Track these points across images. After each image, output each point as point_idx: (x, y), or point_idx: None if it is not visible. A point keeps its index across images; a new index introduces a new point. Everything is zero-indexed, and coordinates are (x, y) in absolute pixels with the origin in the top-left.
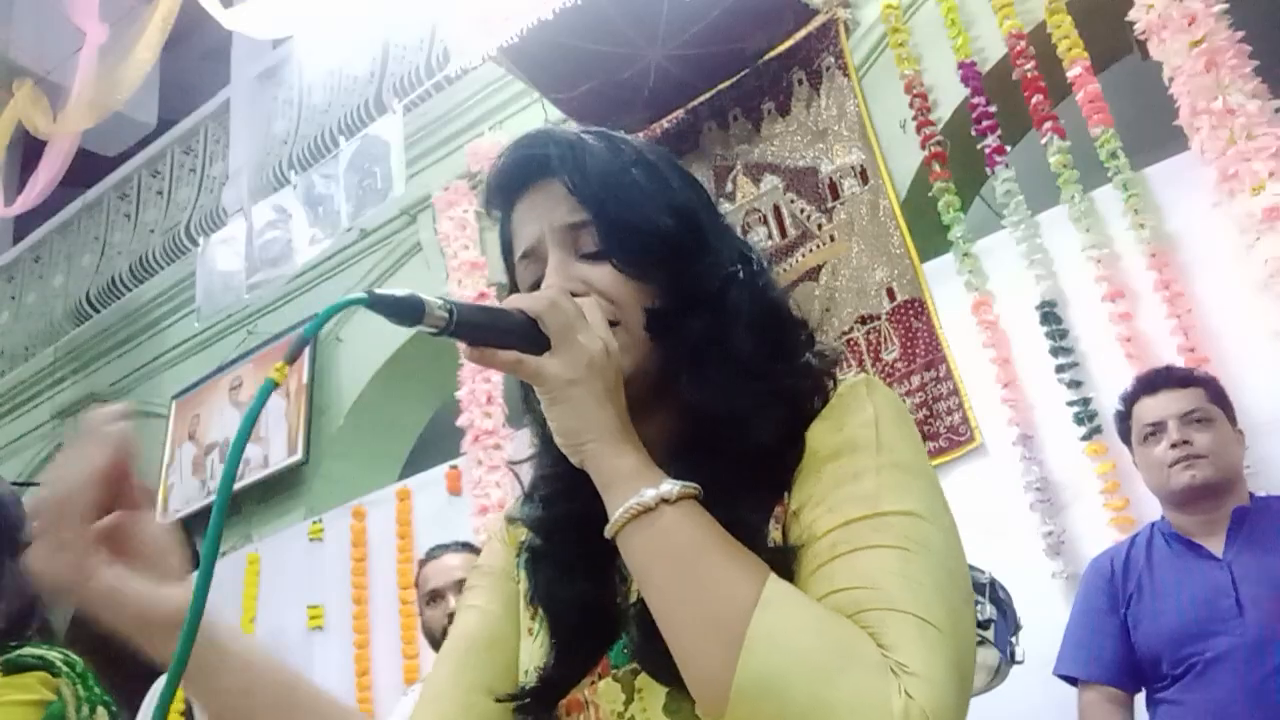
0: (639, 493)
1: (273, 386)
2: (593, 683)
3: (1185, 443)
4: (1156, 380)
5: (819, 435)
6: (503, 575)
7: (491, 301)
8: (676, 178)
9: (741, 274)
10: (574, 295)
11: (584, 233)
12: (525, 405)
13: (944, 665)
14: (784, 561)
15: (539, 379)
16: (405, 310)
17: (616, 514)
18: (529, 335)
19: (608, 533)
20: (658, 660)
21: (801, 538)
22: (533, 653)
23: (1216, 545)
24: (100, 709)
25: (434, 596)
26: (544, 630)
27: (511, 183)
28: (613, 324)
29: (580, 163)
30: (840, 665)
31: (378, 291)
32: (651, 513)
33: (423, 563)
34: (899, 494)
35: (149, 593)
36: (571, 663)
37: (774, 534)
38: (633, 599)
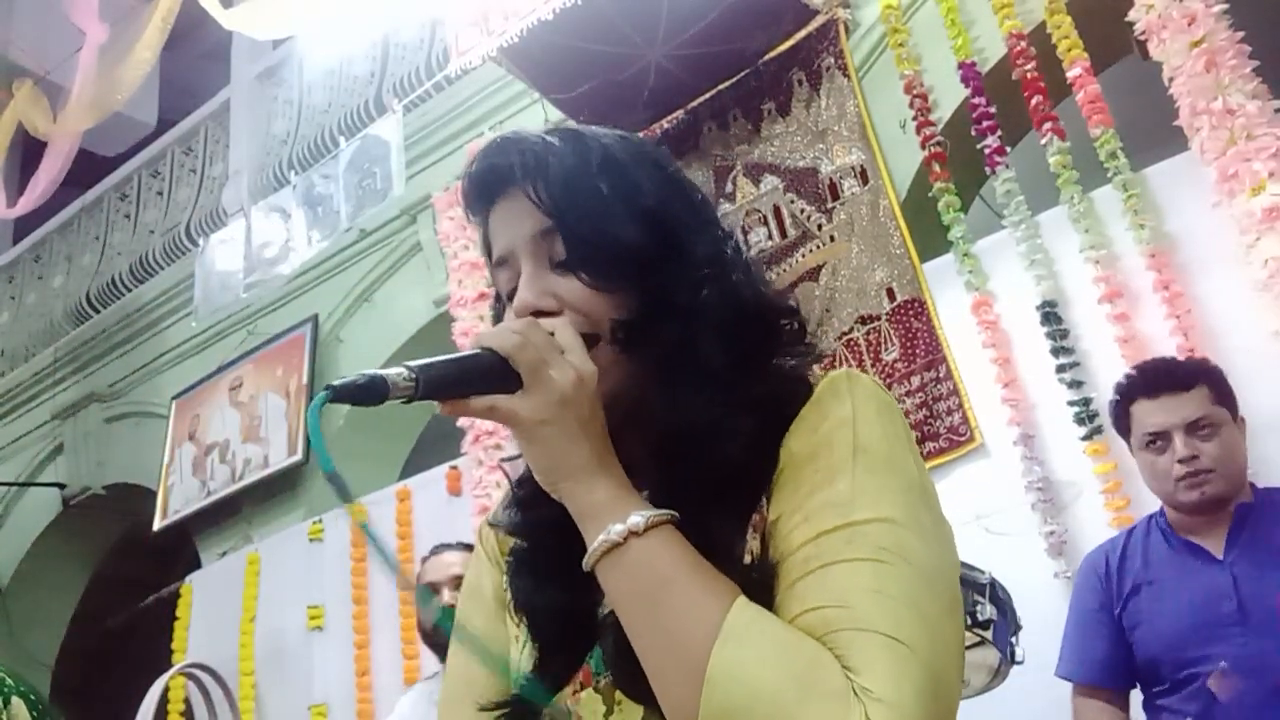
0: (606, 529)
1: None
2: (575, 692)
3: (1193, 457)
4: (1157, 381)
5: (797, 437)
6: (492, 600)
7: (492, 300)
8: (648, 177)
9: (714, 275)
10: (547, 313)
11: (554, 241)
12: None
13: (912, 687)
14: (760, 578)
15: (512, 422)
16: (369, 394)
17: (590, 550)
18: (501, 374)
19: (585, 567)
20: (631, 679)
21: (779, 550)
22: (522, 661)
23: (1217, 545)
24: (16, 699)
25: (430, 590)
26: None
27: (481, 193)
28: (588, 336)
29: (542, 172)
30: (800, 696)
31: (337, 384)
32: (620, 548)
33: (424, 560)
34: (874, 499)
35: None
36: (553, 669)
37: (752, 543)
38: (608, 608)
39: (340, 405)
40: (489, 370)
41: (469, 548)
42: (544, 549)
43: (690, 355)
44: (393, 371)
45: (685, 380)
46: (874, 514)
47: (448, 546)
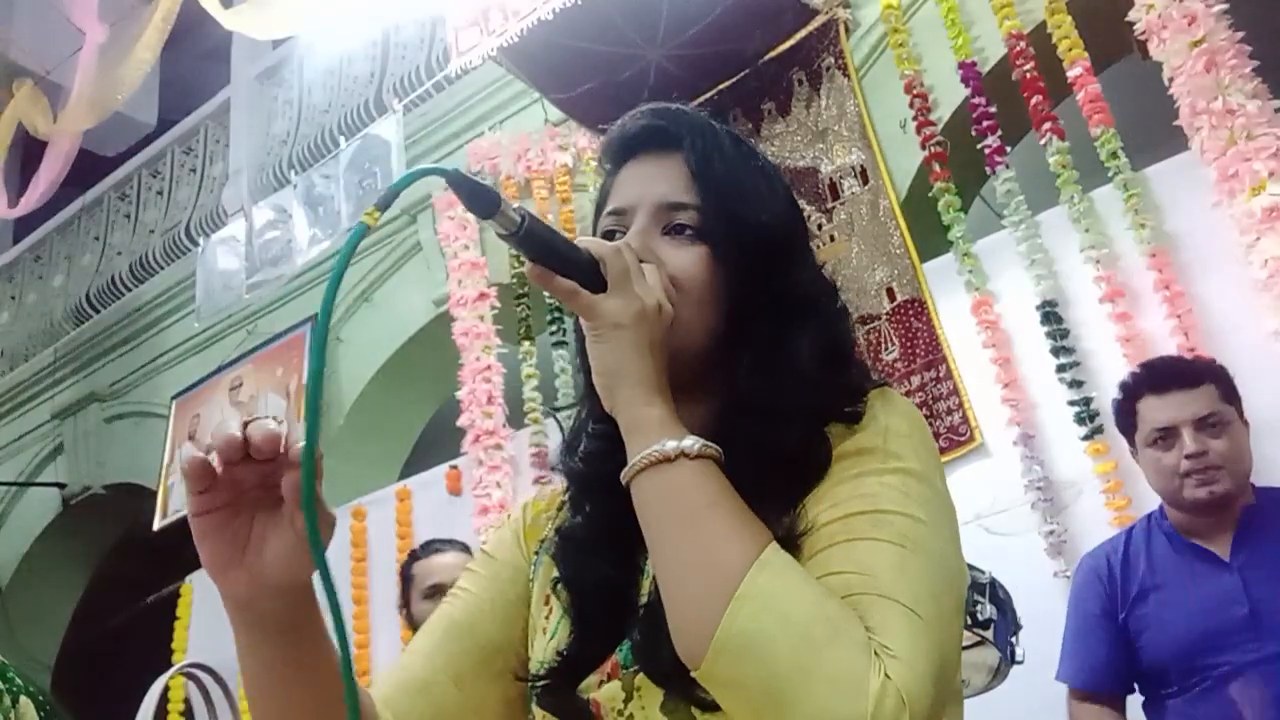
0: (660, 442)
1: (365, 230)
2: (600, 683)
3: (1202, 453)
4: (1165, 378)
5: (832, 438)
6: (505, 565)
7: (493, 301)
8: (790, 197)
9: (822, 302)
10: (641, 261)
11: (680, 214)
12: (577, 352)
13: (926, 653)
14: (785, 549)
15: (590, 314)
16: (481, 198)
17: (635, 459)
18: (590, 274)
19: (623, 477)
20: (656, 662)
21: (803, 530)
22: (546, 648)
23: (1223, 547)
24: (24, 699)
25: (436, 591)
26: (562, 627)
27: (632, 145)
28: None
29: (710, 151)
30: (827, 637)
31: (463, 173)
32: (669, 463)
33: (416, 556)
34: (901, 497)
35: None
36: (587, 647)
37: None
38: (643, 599)
39: (341, 403)
40: (582, 263)
41: (464, 547)
42: (597, 514)
43: (787, 354)
44: (509, 201)
45: (778, 368)
46: (900, 509)
47: (447, 544)
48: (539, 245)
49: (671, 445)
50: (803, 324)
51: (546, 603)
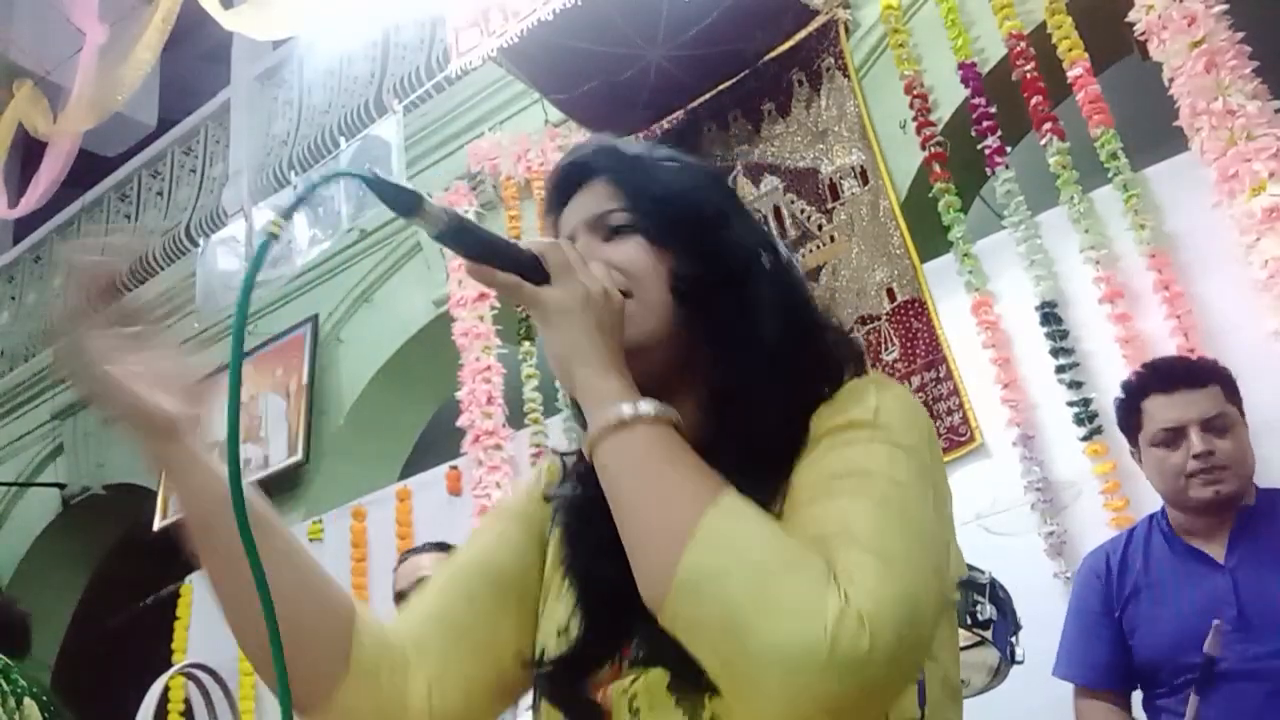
0: (618, 406)
1: (271, 240)
2: (607, 682)
3: (1209, 453)
4: (1172, 377)
5: (821, 419)
6: (519, 514)
7: (493, 302)
8: (708, 172)
9: (766, 260)
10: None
11: (611, 217)
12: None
13: (892, 590)
14: None
15: (535, 304)
16: (401, 200)
17: (594, 428)
18: (532, 268)
19: (585, 447)
20: (659, 645)
21: (787, 495)
22: (556, 611)
23: (1219, 549)
24: (29, 700)
25: (399, 599)
26: (566, 599)
27: (559, 190)
28: (625, 295)
29: (623, 159)
30: (783, 568)
31: (382, 176)
32: (626, 427)
33: (395, 568)
34: (885, 463)
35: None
36: (594, 644)
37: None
38: None
39: (341, 403)
40: (522, 260)
41: (440, 547)
42: (601, 526)
43: (745, 326)
44: (434, 202)
45: (741, 347)
46: (884, 471)
47: (419, 550)
48: (474, 243)
49: (628, 410)
50: (756, 296)
51: (567, 573)
